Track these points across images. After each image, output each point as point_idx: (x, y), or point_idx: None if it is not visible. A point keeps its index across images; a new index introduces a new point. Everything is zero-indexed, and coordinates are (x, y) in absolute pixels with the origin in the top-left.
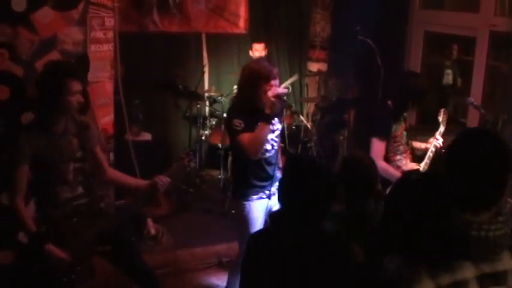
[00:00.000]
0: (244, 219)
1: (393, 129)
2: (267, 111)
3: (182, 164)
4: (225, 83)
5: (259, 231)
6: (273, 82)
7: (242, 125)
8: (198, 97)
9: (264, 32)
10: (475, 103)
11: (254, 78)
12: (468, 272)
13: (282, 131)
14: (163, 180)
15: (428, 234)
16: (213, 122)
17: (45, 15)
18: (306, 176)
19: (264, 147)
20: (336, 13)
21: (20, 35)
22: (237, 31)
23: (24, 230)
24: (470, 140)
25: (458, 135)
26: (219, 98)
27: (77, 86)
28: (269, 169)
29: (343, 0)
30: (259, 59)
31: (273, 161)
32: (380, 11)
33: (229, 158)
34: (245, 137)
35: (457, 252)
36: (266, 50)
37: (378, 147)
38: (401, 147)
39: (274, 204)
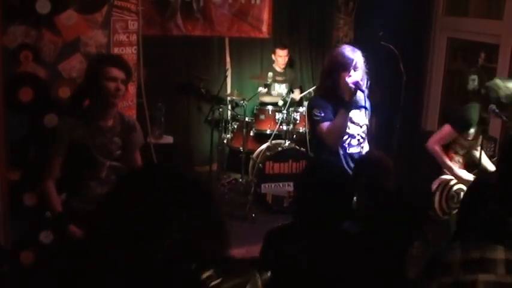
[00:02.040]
0: None
1: (471, 130)
2: (346, 98)
3: None
4: (248, 87)
5: (278, 228)
6: (352, 71)
7: (322, 114)
8: (220, 101)
9: (286, 36)
10: (496, 110)
11: (333, 66)
12: (498, 253)
13: (304, 135)
14: None
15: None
16: (235, 126)
17: (69, 17)
18: (322, 177)
19: (350, 141)
20: (359, 18)
21: (44, 37)
22: (260, 36)
23: (51, 211)
24: None
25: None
26: (241, 102)
27: (114, 72)
28: (349, 169)
29: (366, 5)
30: (342, 47)
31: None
32: (403, 17)
33: (251, 162)
34: (325, 126)
35: (491, 235)
36: (289, 55)
37: (445, 133)
38: (463, 151)
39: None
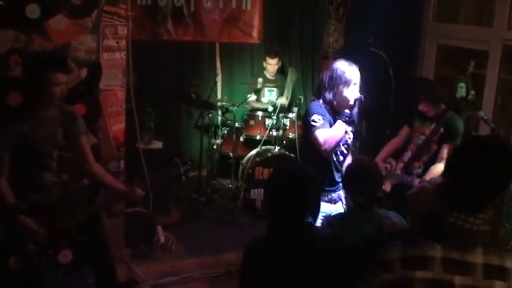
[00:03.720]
0: None
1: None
2: (347, 110)
3: (168, 172)
4: (238, 93)
5: (254, 240)
6: (353, 86)
7: (321, 122)
8: (210, 106)
9: (277, 42)
10: (485, 117)
11: (334, 81)
12: (436, 252)
13: (294, 141)
14: (137, 194)
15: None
16: (225, 132)
17: (58, 22)
18: (288, 182)
19: (340, 148)
20: (350, 25)
21: (34, 42)
22: (250, 41)
23: (3, 204)
24: (476, 143)
25: (465, 140)
26: (231, 107)
27: (60, 78)
28: (336, 175)
29: (357, 12)
30: (340, 61)
31: (341, 167)
32: (393, 24)
33: (240, 168)
34: (322, 132)
35: (430, 234)
36: (279, 63)
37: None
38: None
39: (336, 209)
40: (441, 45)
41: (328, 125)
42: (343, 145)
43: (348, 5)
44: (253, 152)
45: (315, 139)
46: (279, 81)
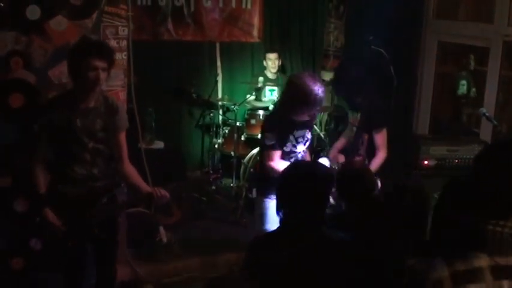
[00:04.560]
0: (262, 216)
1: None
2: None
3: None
4: (239, 92)
5: (259, 238)
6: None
7: (273, 142)
8: (211, 106)
9: (277, 41)
10: (487, 114)
11: (296, 101)
12: (483, 261)
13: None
14: (162, 193)
15: (448, 227)
16: (226, 131)
17: (59, 23)
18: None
19: (296, 158)
20: (350, 23)
21: (34, 43)
22: (251, 40)
23: (33, 192)
24: (500, 148)
25: (487, 145)
26: (232, 106)
27: (96, 62)
28: None
29: (357, 9)
30: (306, 78)
31: None
32: (393, 21)
33: (242, 167)
34: (271, 159)
35: (472, 244)
36: (279, 59)
37: None
38: None
39: None
40: (442, 42)
41: (278, 144)
42: (297, 154)
43: (348, 3)
44: (255, 151)
45: (263, 159)
46: (280, 80)
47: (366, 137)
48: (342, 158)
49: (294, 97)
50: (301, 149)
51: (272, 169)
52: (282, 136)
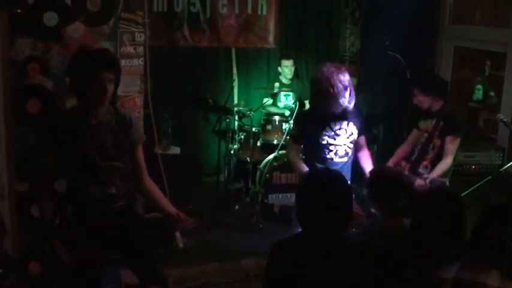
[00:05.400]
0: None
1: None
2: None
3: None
4: (254, 98)
5: (284, 240)
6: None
7: (295, 133)
8: (227, 111)
9: (293, 46)
10: (504, 119)
11: (317, 88)
12: (491, 279)
13: None
14: (187, 221)
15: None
16: (242, 137)
17: (76, 30)
18: (324, 187)
19: (336, 151)
20: (366, 28)
21: (52, 49)
22: (266, 46)
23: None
24: None
25: None
26: (248, 112)
27: (101, 74)
28: None
29: (373, 15)
30: (324, 67)
31: (344, 171)
32: (410, 26)
33: (258, 172)
34: (290, 149)
35: (490, 259)
36: (294, 66)
37: None
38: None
39: None
40: (458, 47)
41: (304, 137)
42: (338, 146)
43: (364, 9)
44: (271, 156)
45: (288, 146)
46: (295, 85)
47: (438, 143)
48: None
49: (315, 87)
50: (342, 141)
51: (289, 161)
52: (314, 129)
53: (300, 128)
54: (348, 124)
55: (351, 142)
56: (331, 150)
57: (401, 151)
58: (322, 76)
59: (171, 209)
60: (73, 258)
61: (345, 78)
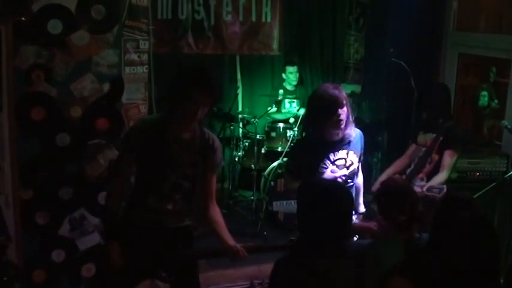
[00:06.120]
0: None
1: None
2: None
3: None
4: (259, 105)
5: (284, 258)
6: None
7: (292, 169)
8: (231, 118)
9: (297, 53)
10: (509, 126)
11: (310, 107)
12: None
13: None
14: (244, 257)
15: None
16: (246, 144)
17: (80, 37)
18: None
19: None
20: (370, 35)
21: (56, 57)
22: (271, 53)
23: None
24: None
25: None
26: (253, 119)
27: (199, 97)
28: None
29: (377, 22)
30: (319, 87)
31: None
32: (414, 33)
33: (262, 179)
34: (287, 183)
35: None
36: (299, 72)
37: None
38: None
39: None
40: (462, 54)
41: (301, 172)
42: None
43: (368, 16)
44: (275, 163)
45: (284, 182)
46: (299, 92)
47: (436, 157)
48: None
49: (309, 106)
50: (342, 173)
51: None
52: (312, 161)
53: (295, 161)
54: (350, 153)
55: (351, 172)
56: None
57: (398, 164)
58: (315, 91)
59: (231, 242)
60: (124, 264)
61: (338, 89)
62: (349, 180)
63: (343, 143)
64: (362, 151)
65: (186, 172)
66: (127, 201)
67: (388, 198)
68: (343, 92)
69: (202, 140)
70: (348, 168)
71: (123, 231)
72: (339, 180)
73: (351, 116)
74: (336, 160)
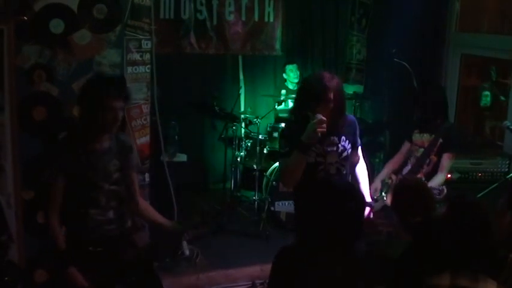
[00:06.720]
0: None
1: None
2: (304, 139)
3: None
4: (261, 105)
5: (285, 250)
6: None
7: (287, 149)
8: (234, 119)
9: (300, 53)
10: (511, 127)
11: (302, 96)
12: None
13: None
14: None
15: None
16: (249, 144)
17: (82, 37)
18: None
19: (328, 170)
20: (372, 36)
21: (58, 56)
22: (273, 53)
23: (54, 248)
24: None
25: None
26: (255, 119)
27: (114, 103)
28: None
29: (379, 22)
30: (318, 73)
31: None
32: (416, 34)
33: (264, 180)
34: (283, 163)
35: (487, 269)
36: (299, 70)
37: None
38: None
39: None
40: (465, 54)
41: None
42: (329, 165)
43: (371, 16)
44: (277, 164)
45: (279, 168)
46: None
47: (435, 159)
48: (394, 177)
49: (299, 91)
50: (332, 159)
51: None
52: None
53: (287, 140)
54: (341, 139)
55: (342, 159)
56: (321, 170)
57: (394, 161)
58: (306, 77)
59: (166, 221)
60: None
61: (328, 76)
62: (342, 168)
63: (333, 129)
64: (357, 138)
65: (114, 178)
66: (67, 226)
67: (404, 201)
68: (336, 79)
69: (119, 143)
70: (340, 155)
71: (74, 253)
72: (332, 168)
73: (343, 104)
74: (327, 145)
